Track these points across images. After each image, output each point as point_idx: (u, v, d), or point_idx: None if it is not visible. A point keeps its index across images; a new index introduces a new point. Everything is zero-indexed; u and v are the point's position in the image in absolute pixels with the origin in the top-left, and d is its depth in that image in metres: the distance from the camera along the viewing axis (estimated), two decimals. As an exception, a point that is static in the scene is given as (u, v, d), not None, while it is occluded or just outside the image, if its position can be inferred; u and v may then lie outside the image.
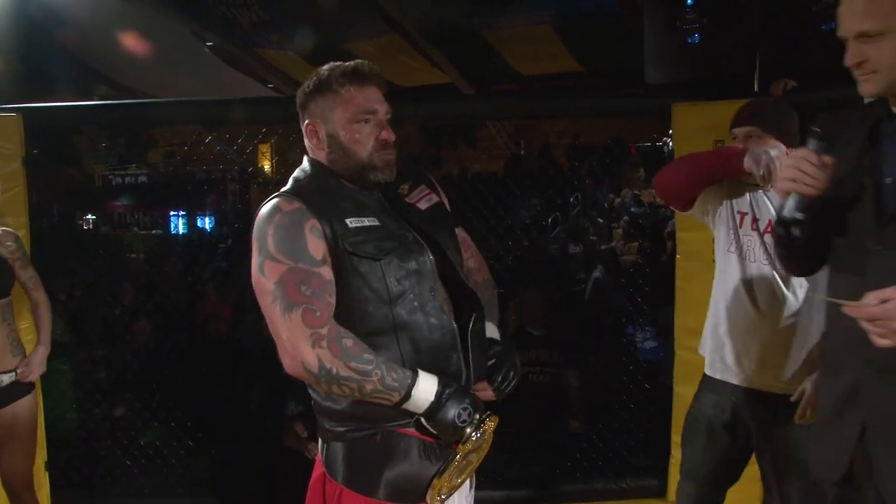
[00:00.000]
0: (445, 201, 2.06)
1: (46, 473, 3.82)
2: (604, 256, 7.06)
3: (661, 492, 3.98)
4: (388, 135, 1.85)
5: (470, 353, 1.85)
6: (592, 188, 10.21)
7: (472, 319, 1.88)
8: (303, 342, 1.65)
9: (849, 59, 1.63)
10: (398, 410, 1.75)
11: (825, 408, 1.87)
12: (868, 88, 1.65)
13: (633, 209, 9.92)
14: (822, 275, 1.98)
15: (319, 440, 1.93)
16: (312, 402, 1.90)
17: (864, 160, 1.72)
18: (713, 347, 2.71)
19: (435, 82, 11.13)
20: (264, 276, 1.71)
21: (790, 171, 1.72)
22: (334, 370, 1.66)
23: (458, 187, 7.19)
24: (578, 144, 11.19)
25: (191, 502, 4.00)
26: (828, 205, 1.76)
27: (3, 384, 2.98)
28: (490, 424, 1.82)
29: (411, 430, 1.79)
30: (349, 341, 1.68)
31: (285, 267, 1.69)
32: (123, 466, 4.20)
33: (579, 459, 4.18)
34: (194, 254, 7.95)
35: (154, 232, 11.88)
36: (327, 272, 1.73)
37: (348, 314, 1.75)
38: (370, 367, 1.67)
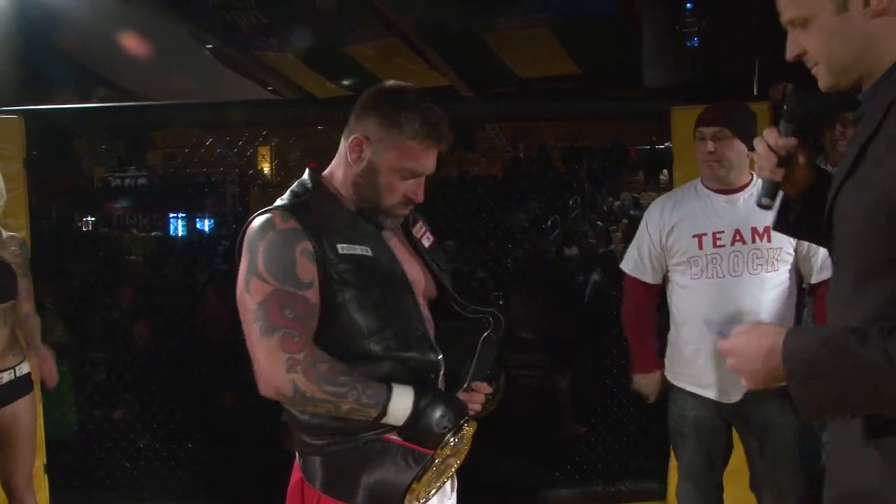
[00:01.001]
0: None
1: (46, 476, 3.83)
2: (603, 260, 7.05)
3: (661, 494, 3.97)
4: (419, 196, 1.83)
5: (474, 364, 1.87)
6: (591, 191, 10.20)
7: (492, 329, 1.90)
8: (278, 366, 1.65)
9: (788, 53, 1.50)
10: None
11: None
12: (821, 82, 1.49)
13: (632, 212, 9.92)
14: None
15: (295, 448, 1.91)
16: (286, 416, 1.87)
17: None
18: (683, 362, 2.81)
19: (433, 85, 11.13)
20: (249, 294, 1.69)
21: (757, 157, 1.66)
22: (308, 394, 1.65)
23: (458, 190, 7.20)
24: (577, 147, 11.19)
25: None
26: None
27: (3, 382, 2.99)
28: (468, 429, 1.81)
29: (391, 437, 1.78)
30: (324, 366, 1.66)
31: (271, 288, 1.67)
32: (123, 469, 4.20)
33: (578, 462, 4.18)
34: (194, 256, 7.94)
35: (153, 234, 11.89)
36: (313, 296, 1.70)
37: (327, 339, 1.73)
38: (345, 389, 1.66)
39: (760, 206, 1.69)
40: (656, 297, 2.93)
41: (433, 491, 1.82)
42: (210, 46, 10.76)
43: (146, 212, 12.33)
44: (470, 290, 5.71)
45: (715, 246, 2.66)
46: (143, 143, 11.39)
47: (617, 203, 10.67)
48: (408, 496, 1.76)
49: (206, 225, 12.02)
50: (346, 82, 12.35)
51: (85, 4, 8.36)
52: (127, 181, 12.87)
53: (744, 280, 2.62)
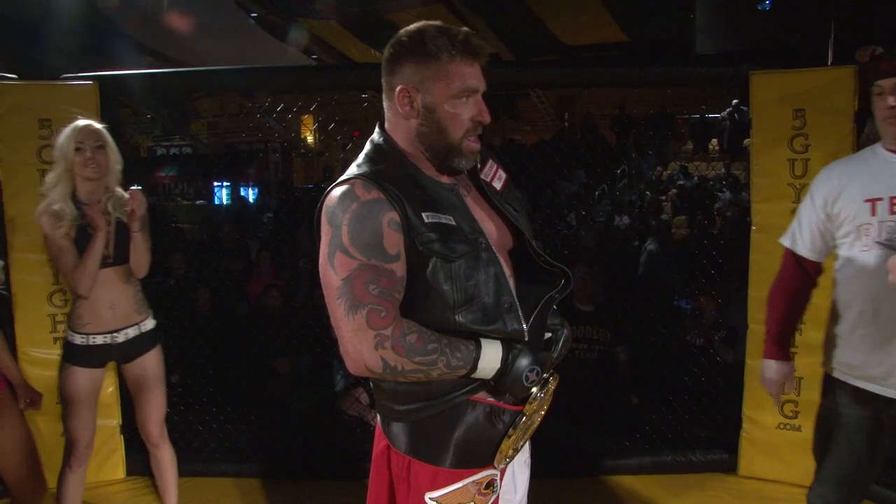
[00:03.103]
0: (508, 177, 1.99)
1: (122, 436, 3.90)
2: (656, 229, 6.98)
3: (732, 466, 3.95)
4: (486, 115, 1.76)
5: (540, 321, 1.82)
6: (639, 161, 10.09)
7: (558, 289, 1.84)
8: (366, 345, 1.60)
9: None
10: (465, 380, 1.71)
11: None
12: None
13: (680, 182, 9.80)
14: None
15: (378, 416, 1.89)
16: (371, 383, 1.84)
17: None
18: (847, 351, 2.42)
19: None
20: (333, 269, 1.63)
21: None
22: (399, 367, 1.62)
23: (501, 159, 7.14)
24: (625, 116, 11.04)
25: (257, 468, 4.05)
26: None
27: (129, 337, 3.11)
28: (552, 383, 1.82)
29: (479, 396, 1.76)
30: (412, 336, 1.62)
31: (357, 263, 1.61)
32: (193, 432, 4.25)
33: (648, 432, 4.16)
34: (243, 224, 7.98)
35: (198, 202, 11.94)
36: (400, 268, 1.65)
37: (411, 310, 1.69)
38: (434, 356, 1.63)
39: None
40: (811, 279, 2.52)
41: (520, 446, 1.81)
42: (255, 14, 10.76)
43: (191, 180, 12.38)
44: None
45: (892, 213, 2.27)
46: (188, 113, 11.44)
47: (666, 173, 10.56)
48: (497, 455, 1.76)
49: (249, 193, 12.08)
50: (389, 50, 12.28)
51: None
52: (172, 150, 12.93)
53: None
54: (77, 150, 2.96)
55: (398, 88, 1.73)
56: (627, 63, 5.05)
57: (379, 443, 1.86)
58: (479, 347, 1.67)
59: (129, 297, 3.13)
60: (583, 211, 6.93)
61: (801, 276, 2.53)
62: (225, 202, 12.18)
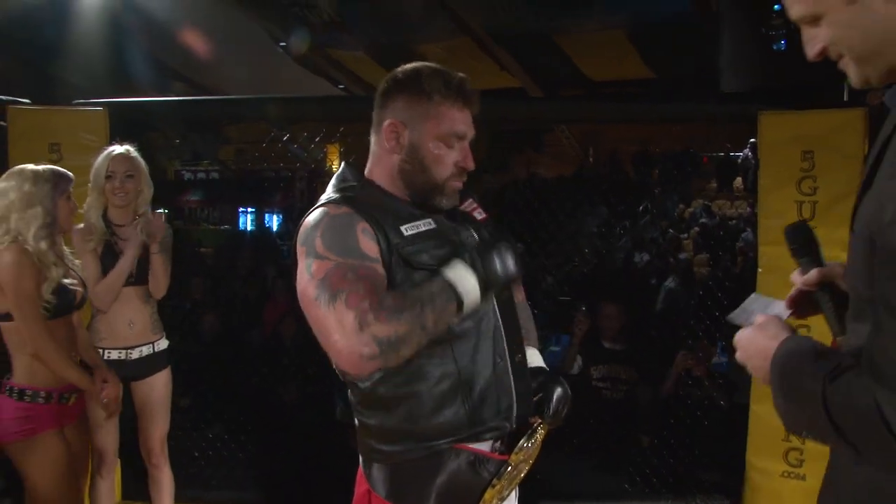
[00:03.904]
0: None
1: (118, 459, 3.91)
2: (677, 267, 6.91)
3: (734, 511, 3.87)
4: (469, 163, 1.76)
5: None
6: (662, 198, 10.03)
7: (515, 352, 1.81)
8: (351, 329, 1.49)
9: (808, 52, 1.31)
10: (451, 428, 1.69)
11: None
12: (851, 77, 1.29)
13: (703, 220, 9.73)
14: None
15: (361, 457, 1.84)
16: (356, 423, 1.81)
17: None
18: None
19: (504, 86, 11.09)
20: (310, 275, 1.59)
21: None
22: (393, 336, 1.50)
23: (524, 195, 7.11)
24: (648, 153, 11.01)
25: (256, 497, 4.03)
26: None
27: (143, 355, 3.26)
28: (541, 433, 1.78)
29: (463, 444, 1.72)
30: (388, 299, 1.53)
31: (332, 263, 1.58)
32: (190, 457, 4.25)
33: (649, 475, 4.09)
34: (262, 250, 8.02)
35: (223, 227, 12.07)
36: (381, 269, 1.62)
37: None
38: (419, 306, 1.53)
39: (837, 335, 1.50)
40: None
41: (505, 495, 1.77)
42: (283, 43, 10.90)
43: (217, 205, 12.52)
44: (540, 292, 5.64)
45: None
46: (217, 139, 11.58)
47: (689, 210, 10.48)
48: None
49: (273, 220, 12.17)
50: (416, 81, 12.39)
51: (163, 3, 8.57)
52: (199, 175, 13.12)
53: None
54: (108, 177, 3.15)
55: (386, 122, 1.74)
56: (639, 100, 5.06)
57: (360, 486, 1.83)
58: (445, 277, 1.57)
59: (147, 315, 3.28)
60: (604, 250, 6.87)
61: None
62: (249, 228, 12.28)
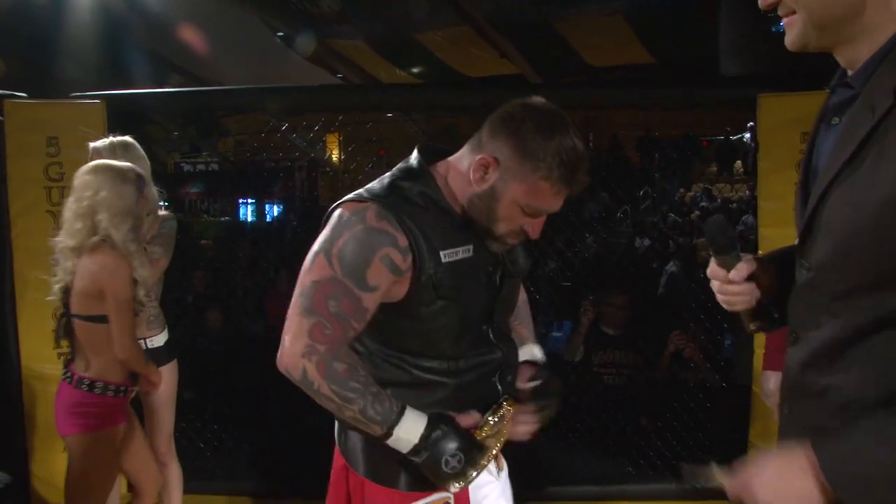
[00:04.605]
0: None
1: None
2: (680, 251, 6.91)
3: (737, 494, 3.87)
4: (535, 234, 1.73)
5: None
6: (662, 182, 10.04)
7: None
8: (297, 347, 1.59)
9: (760, 1, 1.28)
10: (422, 406, 1.69)
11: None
12: (790, 36, 1.26)
13: (703, 203, 9.73)
14: None
15: (336, 425, 1.89)
16: None
17: (805, 160, 1.38)
18: None
19: (504, 73, 11.05)
20: (311, 266, 1.65)
21: (722, 298, 1.49)
22: (315, 385, 1.60)
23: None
24: (650, 138, 10.99)
25: (258, 486, 4.05)
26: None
27: (147, 348, 3.16)
28: (508, 409, 1.79)
29: None
30: (341, 366, 1.60)
31: (331, 274, 1.62)
32: (196, 449, 4.26)
33: (652, 458, 4.10)
34: (264, 241, 8.03)
35: (223, 219, 12.07)
36: (369, 299, 1.64)
37: (409, 334, 1.72)
38: (353, 396, 1.60)
39: (754, 331, 1.55)
40: None
41: (475, 473, 1.77)
42: (281, 34, 10.87)
43: (217, 197, 12.52)
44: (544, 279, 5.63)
45: None
46: (216, 130, 11.57)
47: (689, 195, 10.48)
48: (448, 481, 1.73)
49: (273, 210, 12.18)
50: (415, 70, 12.35)
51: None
52: (199, 167, 13.11)
53: None
54: None
55: (483, 155, 1.67)
56: (639, 85, 5.04)
57: (337, 460, 1.88)
58: (401, 413, 1.62)
59: (142, 311, 3.12)
60: (605, 235, 6.86)
61: None
62: (250, 219, 12.29)
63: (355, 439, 1.79)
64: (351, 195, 1.72)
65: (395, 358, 1.75)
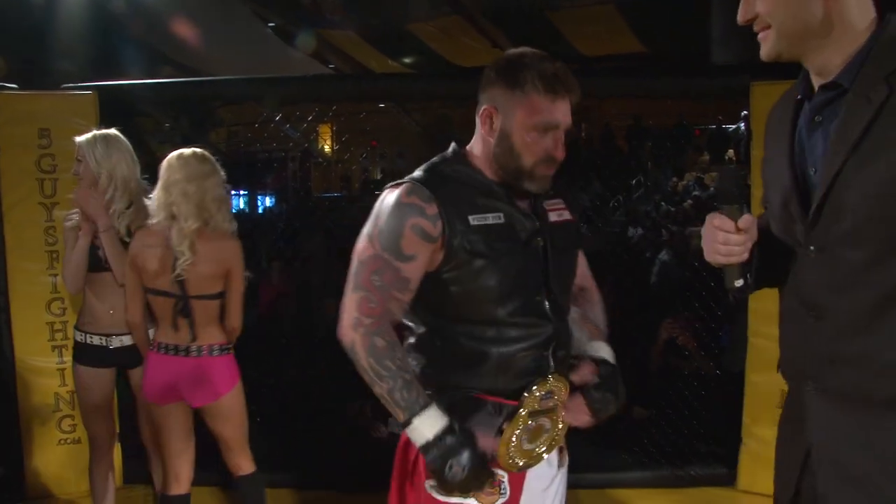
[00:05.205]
0: (576, 221, 2.05)
1: (118, 444, 3.92)
2: (672, 239, 6.93)
3: (731, 480, 3.91)
4: (560, 152, 1.82)
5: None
6: (655, 171, 10.05)
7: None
8: (349, 320, 1.78)
9: (739, 16, 1.47)
10: (474, 377, 1.80)
11: (782, 425, 1.68)
12: (764, 49, 1.47)
13: (696, 192, 9.75)
14: None
15: None
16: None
17: (786, 155, 1.53)
18: None
19: (496, 63, 11.03)
20: (359, 248, 1.82)
21: (714, 248, 1.55)
22: (357, 356, 1.77)
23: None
24: (641, 127, 11.01)
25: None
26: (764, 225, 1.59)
27: (124, 344, 3.21)
28: (556, 385, 1.84)
29: (482, 394, 1.82)
30: (381, 342, 1.76)
31: (372, 251, 1.79)
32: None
33: (647, 446, 4.12)
34: (255, 232, 8.00)
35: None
36: (408, 269, 1.78)
37: (464, 304, 1.81)
38: (386, 374, 1.74)
39: (736, 290, 1.58)
40: None
41: (531, 455, 1.84)
42: (272, 24, 10.83)
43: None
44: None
45: None
46: (208, 121, 11.52)
47: (682, 184, 10.50)
48: (499, 455, 1.78)
49: (266, 201, 12.12)
50: (407, 60, 12.33)
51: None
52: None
53: None
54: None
55: (482, 108, 1.85)
56: (631, 74, 5.04)
57: (403, 434, 1.92)
58: (426, 407, 1.73)
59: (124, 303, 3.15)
60: (599, 224, 6.86)
61: None
62: (243, 209, 12.23)
63: None
64: (396, 181, 1.88)
65: (447, 329, 1.84)
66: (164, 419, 3.02)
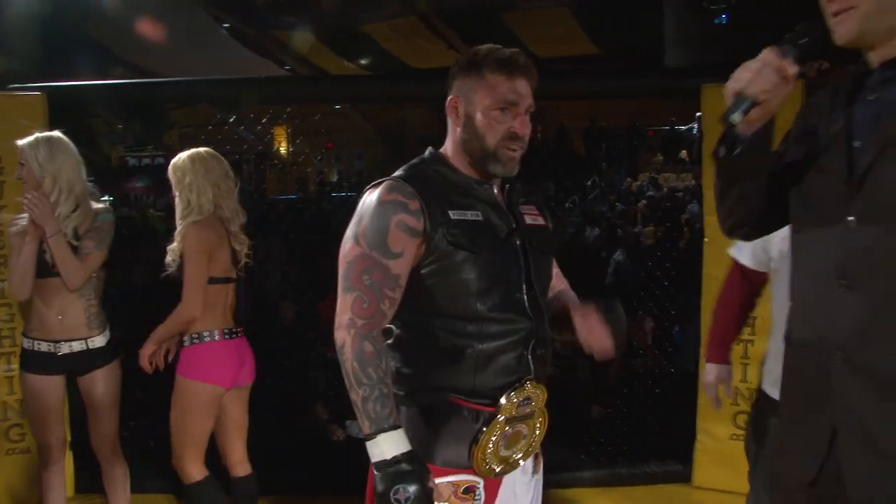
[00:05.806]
0: (550, 227, 2.08)
1: (71, 452, 3.85)
2: (625, 240, 7.00)
3: (686, 476, 3.96)
4: (522, 128, 1.86)
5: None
6: (609, 172, 10.16)
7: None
8: (342, 320, 1.77)
9: (829, 6, 1.36)
10: (452, 375, 1.81)
11: (791, 403, 1.58)
12: (842, 30, 1.36)
13: (650, 193, 9.86)
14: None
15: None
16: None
17: (833, 123, 1.47)
18: (772, 364, 2.42)
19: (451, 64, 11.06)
20: (345, 249, 1.83)
21: (743, 71, 1.45)
22: (344, 356, 1.75)
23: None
24: (597, 128, 11.13)
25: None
26: (788, 162, 1.55)
27: (74, 350, 3.11)
28: (533, 391, 1.84)
29: (458, 399, 1.82)
30: (369, 347, 1.75)
31: (360, 251, 1.80)
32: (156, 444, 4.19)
33: (603, 444, 4.17)
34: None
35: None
36: (397, 266, 1.80)
37: (440, 297, 1.83)
38: (365, 382, 1.72)
39: (728, 121, 1.45)
40: (754, 288, 2.63)
41: (507, 461, 1.85)
42: (227, 25, 10.74)
43: (164, 191, 12.18)
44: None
45: None
46: (162, 123, 11.37)
47: (636, 184, 10.61)
48: (474, 460, 1.79)
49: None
50: (362, 61, 12.31)
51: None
52: (145, 161, 12.81)
53: None
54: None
55: (448, 99, 1.92)
56: (583, 76, 5.09)
57: None
58: (393, 428, 1.71)
59: (79, 310, 3.12)
60: (554, 224, 6.89)
61: (744, 285, 2.63)
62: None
63: (402, 412, 1.84)
64: (378, 181, 1.90)
65: (426, 325, 1.85)
66: (231, 403, 3.13)
